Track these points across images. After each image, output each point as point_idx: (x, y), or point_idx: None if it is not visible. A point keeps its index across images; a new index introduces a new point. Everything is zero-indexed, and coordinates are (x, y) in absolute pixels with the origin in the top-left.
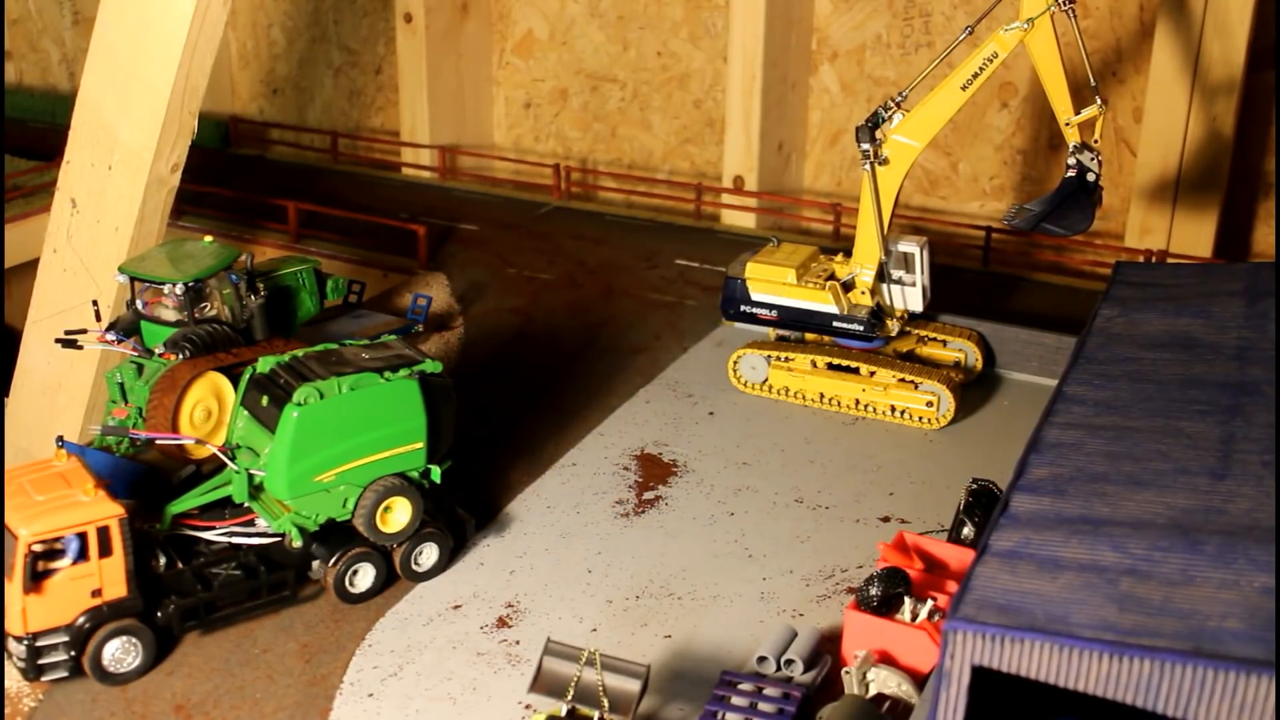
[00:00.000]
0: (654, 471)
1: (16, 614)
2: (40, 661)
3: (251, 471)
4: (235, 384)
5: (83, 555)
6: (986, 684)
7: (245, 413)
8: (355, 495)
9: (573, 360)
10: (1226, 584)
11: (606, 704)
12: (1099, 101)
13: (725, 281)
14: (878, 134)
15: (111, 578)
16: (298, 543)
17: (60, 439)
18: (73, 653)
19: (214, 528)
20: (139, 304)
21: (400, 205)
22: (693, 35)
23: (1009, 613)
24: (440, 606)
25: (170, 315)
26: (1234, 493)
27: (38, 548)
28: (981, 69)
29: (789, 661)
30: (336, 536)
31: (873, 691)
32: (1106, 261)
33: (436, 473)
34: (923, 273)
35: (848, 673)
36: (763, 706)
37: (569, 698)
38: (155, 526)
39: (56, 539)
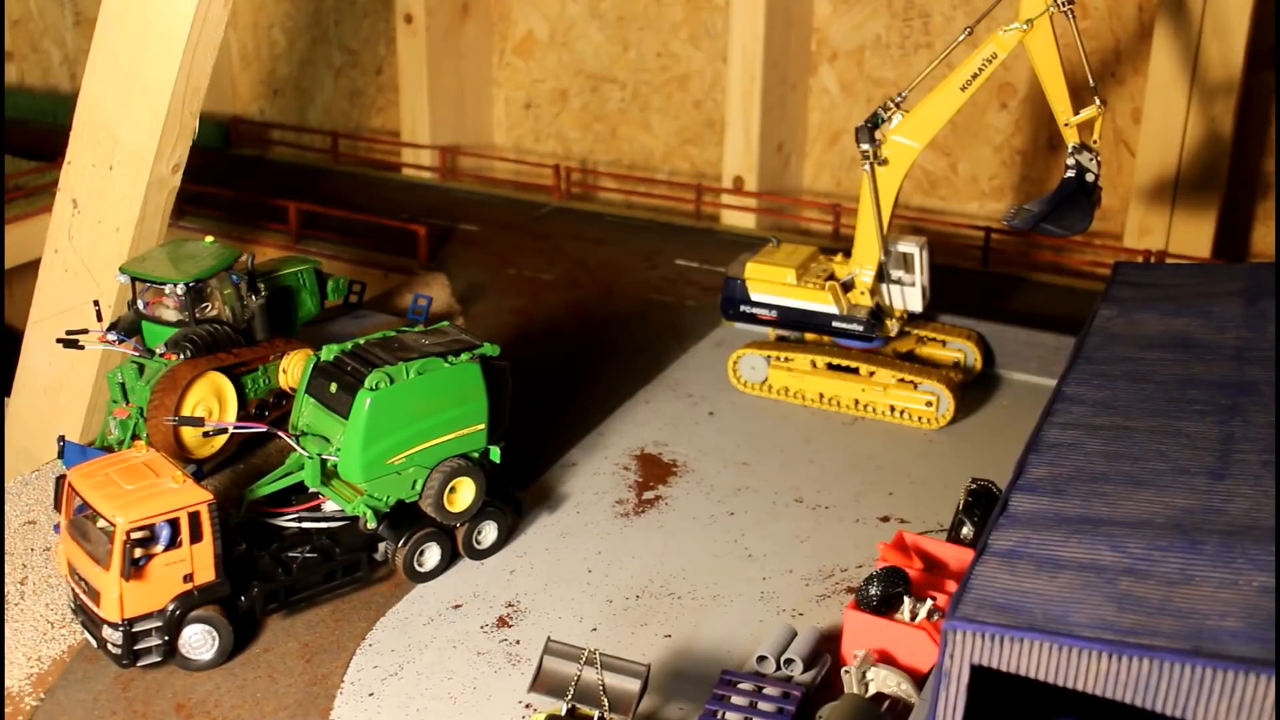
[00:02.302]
0: (654, 471)
1: (114, 601)
2: (136, 647)
3: (324, 457)
4: (236, 384)
5: (174, 541)
6: (986, 683)
7: (311, 400)
8: (423, 477)
9: (573, 360)
10: (1225, 583)
11: (606, 703)
12: (1098, 102)
13: (725, 282)
14: (877, 134)
15: (202, 562)
16: (372, 524)
17: (62, 439)
18: (166, 637)
19: (286, 513)
20: (140, 304)
21: (401, 206)
22: (693, 36)
23: (1008, 612)
24: (440, 606)
25: (171, 315)
26: (1233, 492)
27: (136, 534)
28: (981, 69)
29: (789, 661)
30: (400, 518)
31: (872, 691)
32: (1105, 262)
33: (496, 453)
34: (922, 273)
35: (847, 672)
36: (763, 706)
37: (569, 697)
38: (230, 514)
39: (152, 525)
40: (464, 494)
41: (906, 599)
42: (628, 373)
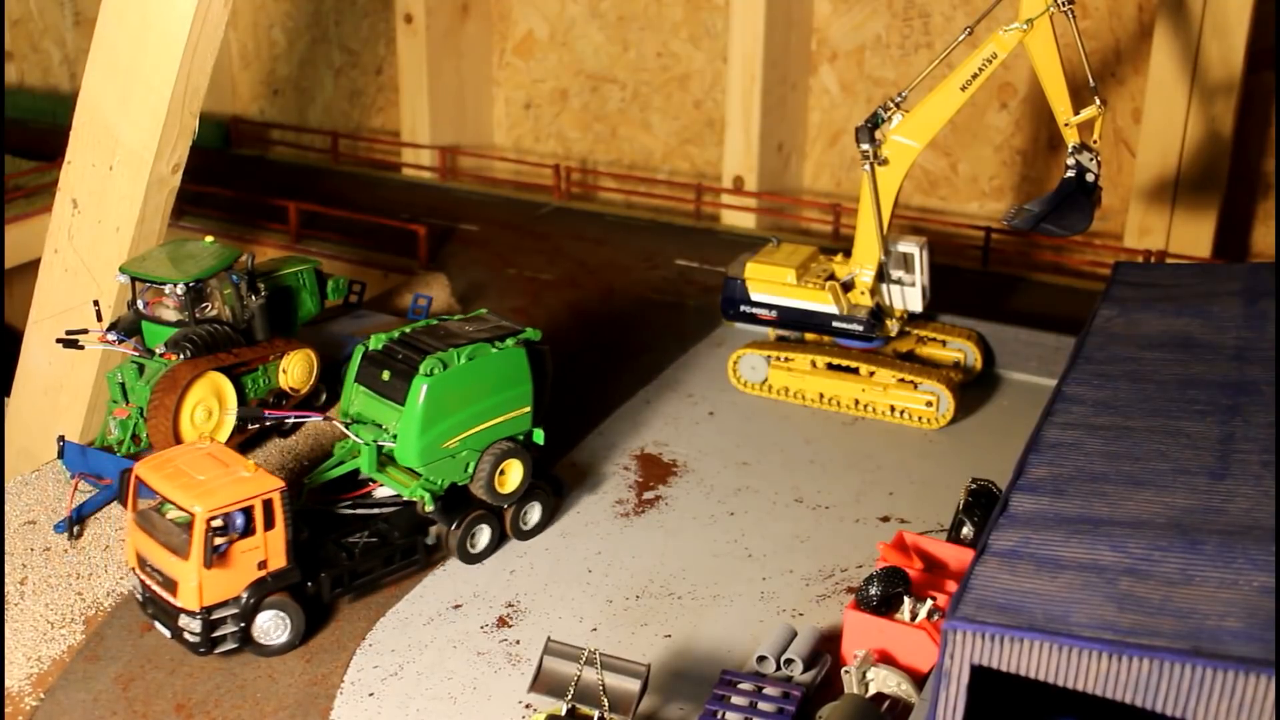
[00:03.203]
0: (654, 471)
1: (193, 589)
2: (214, 634)
3: (380, 444)
4: (236, 384)
5: (248, 529)
6: (986, 683)
7: (362, 389)
8: (475, 460)
9: (573, 360)
10: (1225, 583)
11: (606, 703)
12: (1098, 102)
13: (725, 282)
14: (877, 134)
15: (274, 549)
16: (430, 508)
17: (61, 439)
18: (242, 624)
19: (342, 500)
20: (140, 304)
21: (401, 205)
22: (693, 36)
23: (1008, 612)
24: (440, 606)
25: (171, 315)
26: (1233, 492)
27: (216, 523)
28: (981, 69)
29: (789, 661)
30: (451, 501)
31: (872, 691)
32: (1106, 262)
33: (540, 435)
34: (922, 273)
35: (847, 672)
36: (763, 706)
37: (569, 697)
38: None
39: (229, 514)
40: (513, 475)
41: (906, 599)
42: (628, 373)
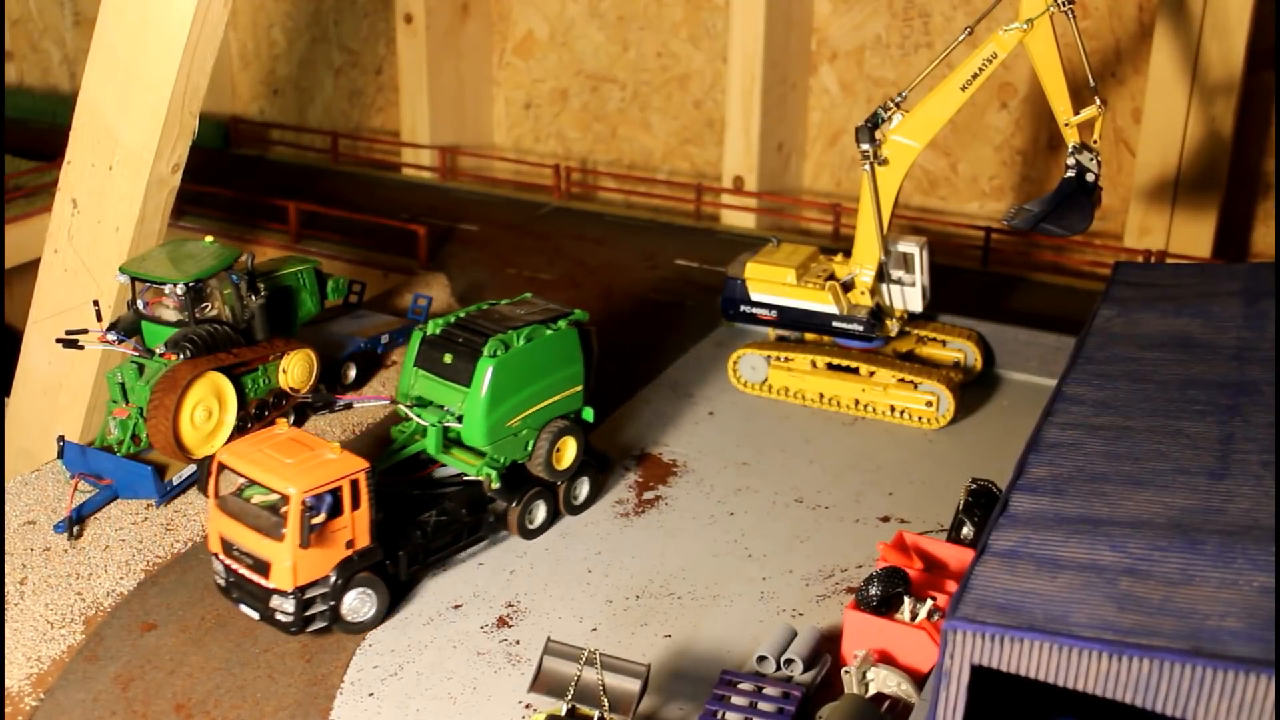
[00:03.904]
0: (654, 471)
1: (287, 570)
2: (306, 614)
3: (446, 425)
4: (236, 384)
5: (336, 509)
6: (986, 683)
7: (422, 372)
8: (534, 438)
9: None
10: (1225, 584)
11: (606, 703)
12: (1098, 102)
13: (725, 282)
14: (877, 134)
15: (360, 529)
16: (496, 485)
17: (61, 439)
18: (332, 603)
19: (410, 480)
20: (140, 304)
21: (400, 205)
22: (693, 36)
23: (1008, 612)
24: (440, 606)
25: (171, 315)
26: (1233, 492)
27: (309, 501)
28: (981, 69)
29: (789, 661)
30: (509, 479)
31: (872, 691)
32: (1106, 261)
33: (589, 413)
34: (922, 273)
35: (847, 672)
36: (763, 706)
37: (569, 697)
38: None
39: (320, 494)
40: (569, 452)
41: (906, 599)
42: (628, 373)
